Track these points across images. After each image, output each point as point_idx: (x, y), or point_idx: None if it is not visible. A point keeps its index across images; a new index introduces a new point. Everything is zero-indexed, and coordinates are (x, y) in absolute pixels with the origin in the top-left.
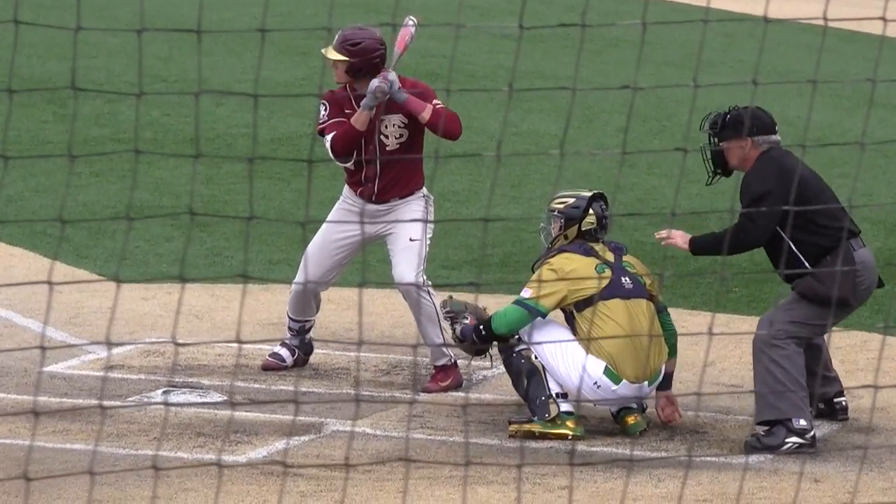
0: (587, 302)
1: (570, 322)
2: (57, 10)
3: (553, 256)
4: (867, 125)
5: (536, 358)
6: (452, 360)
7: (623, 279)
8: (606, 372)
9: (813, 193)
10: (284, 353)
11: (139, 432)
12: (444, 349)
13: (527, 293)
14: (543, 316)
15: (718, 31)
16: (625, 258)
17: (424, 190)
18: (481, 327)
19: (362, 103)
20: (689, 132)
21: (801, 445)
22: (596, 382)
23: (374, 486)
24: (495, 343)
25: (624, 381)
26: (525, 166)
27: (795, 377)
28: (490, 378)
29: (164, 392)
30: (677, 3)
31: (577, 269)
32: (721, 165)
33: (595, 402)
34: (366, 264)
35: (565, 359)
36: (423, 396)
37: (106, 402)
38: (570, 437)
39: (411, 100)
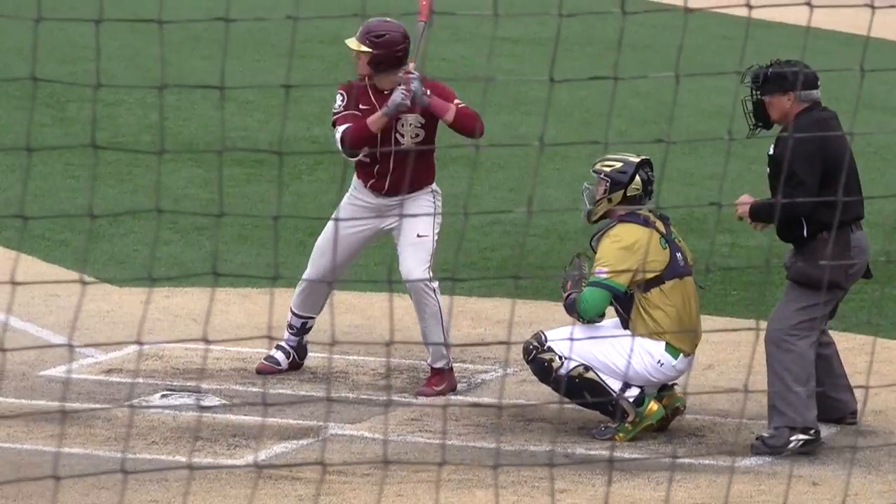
0: (652, 282)
1: (623, 303)
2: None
3: (612, 228)
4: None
5: (587, 370)
6: (449, 365)
7: (677, 255)
8: (667, 348)
9: (841, 167)
10: (280, 356)
11: (137, 436)
12: (444, 351)
13: (602, 273)
14: (623, 293)
15: (717, 33)
16: (672, 229)
17: (434, 185)
18: (576, 312)
19: (382, 111)
20: (688, 134)
21: (806, 442)
22: (659, 360)
23: (371, 490)
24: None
25: (681, 355)
26: (523, 168)
27: (801, 377)
28: (488, 381)
29: (162, 396)
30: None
31: (640, 241)
32: (762, 118)
33: (660, 381)
34: (365, 267)
35: (619, 352)
36: (420, 400)
37: (105, 406)
38: (656, 423)
39: (435, 104)
